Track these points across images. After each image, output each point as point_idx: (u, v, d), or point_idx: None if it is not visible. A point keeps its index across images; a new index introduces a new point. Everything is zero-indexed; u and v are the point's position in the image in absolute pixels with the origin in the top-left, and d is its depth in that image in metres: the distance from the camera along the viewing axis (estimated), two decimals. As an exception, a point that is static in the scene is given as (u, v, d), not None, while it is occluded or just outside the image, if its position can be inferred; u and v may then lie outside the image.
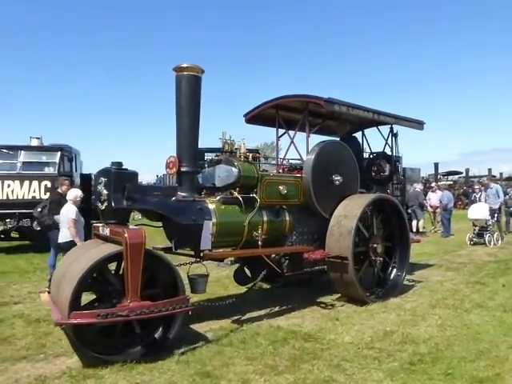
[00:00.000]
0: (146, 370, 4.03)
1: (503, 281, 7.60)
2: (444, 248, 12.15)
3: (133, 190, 4.61)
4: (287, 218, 6.04)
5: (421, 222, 15.34)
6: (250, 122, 7.66)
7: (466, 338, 4.80)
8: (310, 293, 6.76)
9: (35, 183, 11.32)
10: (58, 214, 6.70)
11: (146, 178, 28.96)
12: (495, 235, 12.66)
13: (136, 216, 11.63)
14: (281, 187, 5.86)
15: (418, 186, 15.76)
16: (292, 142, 7.20)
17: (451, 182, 33.70)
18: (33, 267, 9.35)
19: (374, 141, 8.50)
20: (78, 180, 12.70)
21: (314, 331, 5.11)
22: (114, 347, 4.34)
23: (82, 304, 4.38)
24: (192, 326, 5.28)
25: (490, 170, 34.37)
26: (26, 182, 11.30)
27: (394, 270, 7.01)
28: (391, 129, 8.07)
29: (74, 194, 6.67)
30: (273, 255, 5.81)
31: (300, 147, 7.04)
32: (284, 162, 7.52)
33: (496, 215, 13.03)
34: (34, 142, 12.48)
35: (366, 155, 8.45)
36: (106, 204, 4.61)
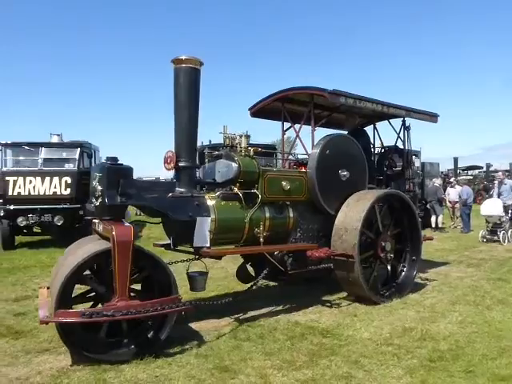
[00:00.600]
0: (165, 363, 4.08)
1: (525, 277, 7.44)
2: (464, 244, 11.97)
3: (127, 186, 4.49)
4: (291, 215, 5.85)
5: (440, 218, 15.14)
6: (255, 116, 7.47)
7: (488, 336, 4.73)
8: (327, 289, 6.72)
9: (56, 179, 11.49)
10: None
11: (166, 173, 29.03)
12: (510, 232, 12.24)
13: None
14: (284, 183, 5.67)
15: (437, 181, 15.56)
16: (297, 135, 7.01)
17: (471, 177, 33.10)
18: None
19: (386, 135, 8.29)
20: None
21: (331, 327, 5.09)
22: (105, 346, 4.22)
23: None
24: (209, 321, 5.32)
25: (511, 164, 33.60)
26: (47, 179, 11.48)
27: (405, 267, 6.78)
28: (403, 122, 7.78)
29: None
30: (276, 252, 5.65)
31: (306, 142, 6.80)
32: (291, 156, 7.34)
33: (510, 211, 12.56)
34: (55, 139, 12.65)
35: (377, 150, 8.22)
36: (100, 200, 4.50)
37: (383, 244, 6.35)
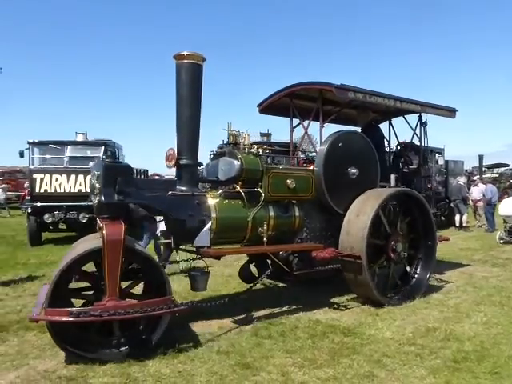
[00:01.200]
0: (188, 359, 4.14)
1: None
2: (488, 243, 11.69)
3: (125, 184, 4.41)
4: (297, 214, 5.69)
5: (464, 217, 14.83)
6: (263, 112, 7.36)
7: (514, 337, 4.63)
8: (348, 289, 6.68)
9: (81, 177, 11.80)
10: None
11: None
12: None
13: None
14: (289, 181, 5.51)
15: (462, 180, 15.25)
16: (306, 132, 6.88)
17: (497, 175, 32.29)
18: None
19: (403, 131, 8.04)
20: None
21: (353, 326, 5.07)
22: (95, 345, 4.20)
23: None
24: (232, 318, 5.36)
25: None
26: (73, 176, 11.81)
27: (418, 269, 6.52)
28: (419, 118, 7.51)
29: None
30: (280, 252, 5.52)
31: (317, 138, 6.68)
32: (300, 154, 7.18)
33: None
34: (80, 138, 12.99)
35: (393, 147, 7.94)
36: (98, 198, 4.45)
37: (394, 245, 6.12)
